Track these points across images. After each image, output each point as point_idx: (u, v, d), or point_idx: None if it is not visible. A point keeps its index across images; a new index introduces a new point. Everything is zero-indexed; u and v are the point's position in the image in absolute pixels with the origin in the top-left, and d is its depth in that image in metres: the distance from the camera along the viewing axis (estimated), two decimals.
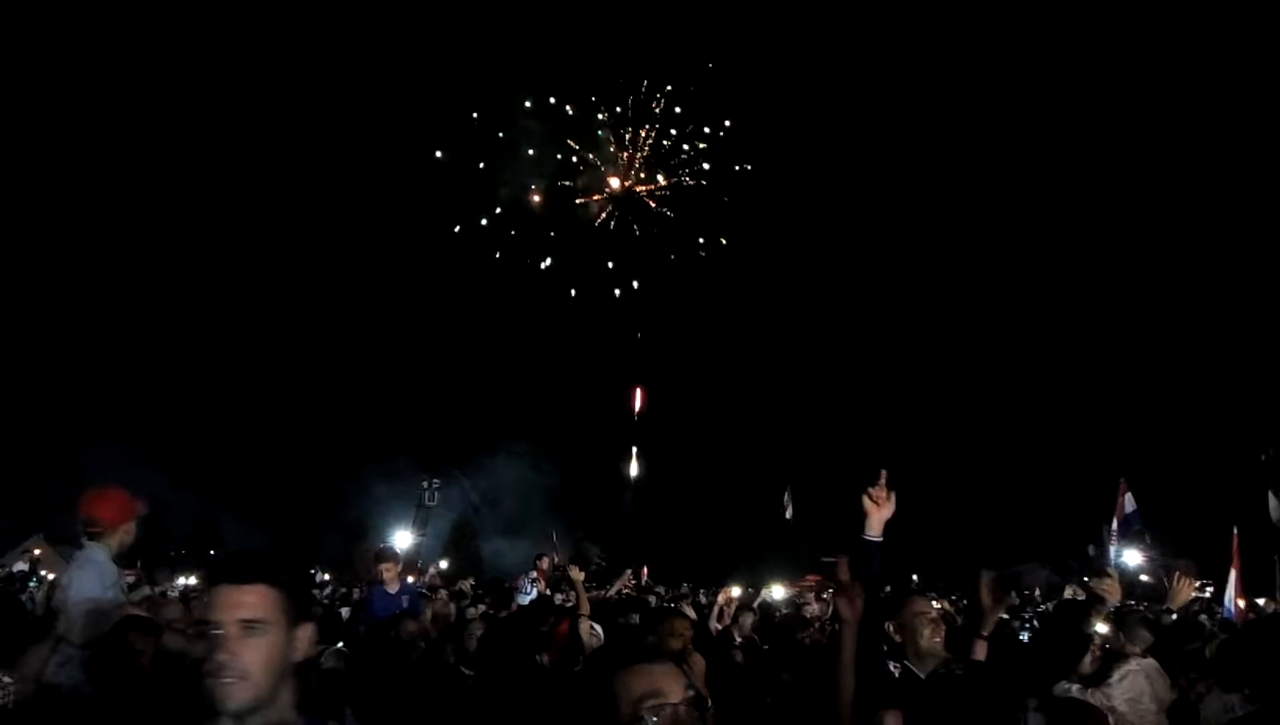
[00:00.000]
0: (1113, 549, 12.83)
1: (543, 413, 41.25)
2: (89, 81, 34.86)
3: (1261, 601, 13.82)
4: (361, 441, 36.74)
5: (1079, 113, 43.35)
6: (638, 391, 37.64)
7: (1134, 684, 4.20)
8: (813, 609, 11.08)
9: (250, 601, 1.88)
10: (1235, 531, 10.43)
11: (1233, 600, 10.26)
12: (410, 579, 8.05)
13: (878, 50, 42.90)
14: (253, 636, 1.86)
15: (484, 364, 39.80)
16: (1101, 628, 4.27)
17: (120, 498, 4.46)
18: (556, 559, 11.68)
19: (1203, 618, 9.45)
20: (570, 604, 7.02)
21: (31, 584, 15.86)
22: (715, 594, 10.59)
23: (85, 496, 4.38)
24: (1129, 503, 12.21)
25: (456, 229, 36.30)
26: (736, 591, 11.02)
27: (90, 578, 4.09)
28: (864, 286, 45.76)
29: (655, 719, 1.65)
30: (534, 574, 11.37)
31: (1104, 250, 42.50)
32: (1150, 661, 4.45)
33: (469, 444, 37.58)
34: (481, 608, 9.73)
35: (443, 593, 10.29)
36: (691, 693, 1.72)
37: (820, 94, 41.59)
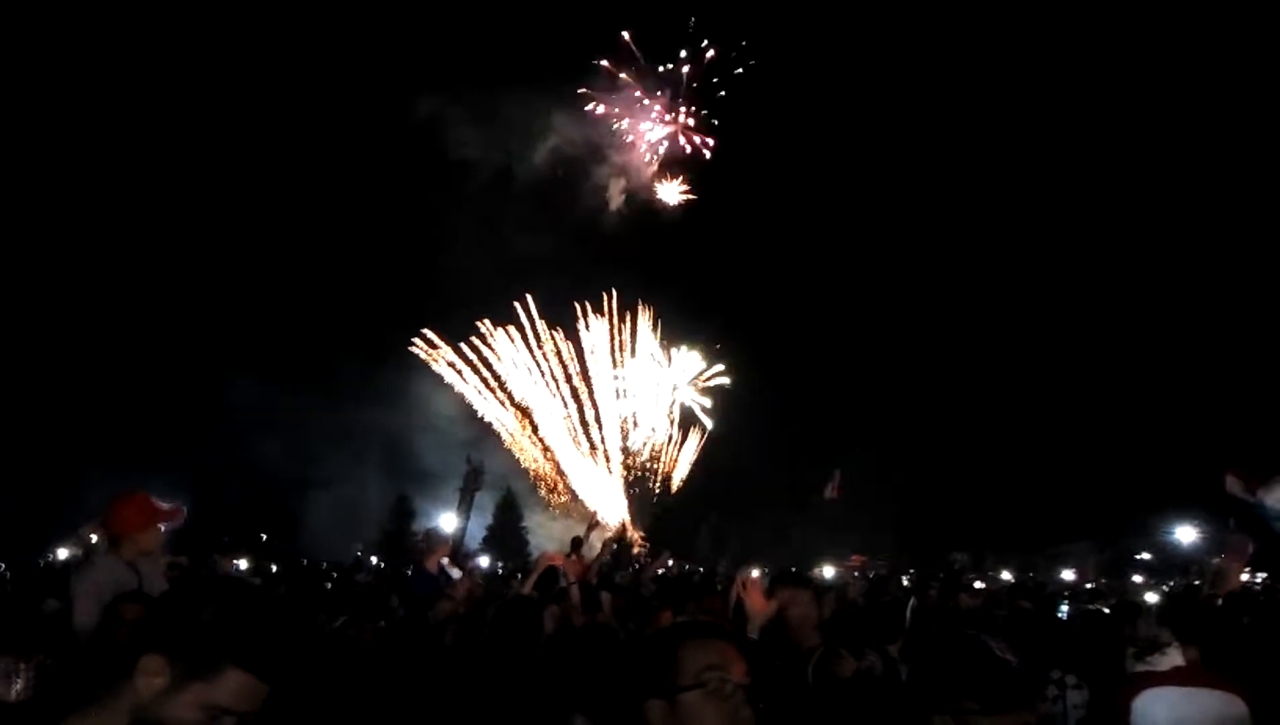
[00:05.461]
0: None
1: None
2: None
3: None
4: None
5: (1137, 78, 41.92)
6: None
7: None
8: (855, 589, 10.94)
9: None
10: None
11: None
12: (445, 560, 8.07)
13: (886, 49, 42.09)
14: None
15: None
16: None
17: (140, 504, 4.35)
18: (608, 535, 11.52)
19: None
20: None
21: None
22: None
23: (112, 501, 4.34)
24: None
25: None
26: (755, 573, 10.64)
27: (86, 585, 4.06)
28: (914, 265, 45.07)
29: (713, 689, 1.71)
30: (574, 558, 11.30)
31: (1140, 240, 41.38)
32: None
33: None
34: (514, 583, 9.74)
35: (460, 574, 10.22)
36: (749, 679, 1.76)
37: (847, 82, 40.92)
